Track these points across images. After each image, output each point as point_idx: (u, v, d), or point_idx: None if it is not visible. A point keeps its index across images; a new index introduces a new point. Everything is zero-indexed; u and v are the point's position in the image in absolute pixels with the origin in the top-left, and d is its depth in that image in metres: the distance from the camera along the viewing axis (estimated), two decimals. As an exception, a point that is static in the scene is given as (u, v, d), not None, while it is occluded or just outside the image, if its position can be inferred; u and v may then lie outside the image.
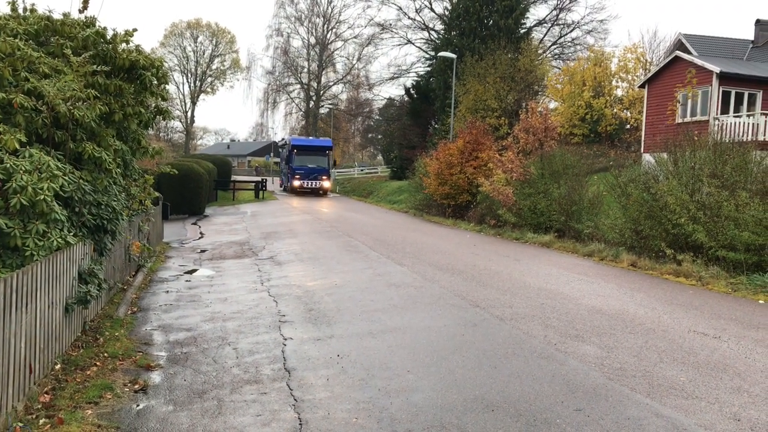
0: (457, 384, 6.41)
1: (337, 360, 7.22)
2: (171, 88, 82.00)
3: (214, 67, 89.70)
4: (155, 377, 6.77)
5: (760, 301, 11.10)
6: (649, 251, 15.34)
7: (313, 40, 79.93)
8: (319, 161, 44.14)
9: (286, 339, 8.15)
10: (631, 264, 14.76)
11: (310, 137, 52.83)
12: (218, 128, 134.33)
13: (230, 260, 15.50)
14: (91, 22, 9.88)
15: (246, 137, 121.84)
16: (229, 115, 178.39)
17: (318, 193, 44.15)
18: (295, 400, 6.03)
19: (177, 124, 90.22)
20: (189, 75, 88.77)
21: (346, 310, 9.78)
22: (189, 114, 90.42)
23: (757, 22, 37.54)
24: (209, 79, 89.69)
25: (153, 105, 10.51)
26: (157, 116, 10.94)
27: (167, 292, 11.47)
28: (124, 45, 9.51)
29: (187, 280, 12.73)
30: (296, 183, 43.22)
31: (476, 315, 9.44)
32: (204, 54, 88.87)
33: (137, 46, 9.82)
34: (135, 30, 9.70)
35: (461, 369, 6.89)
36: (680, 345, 8.00)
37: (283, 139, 58.40)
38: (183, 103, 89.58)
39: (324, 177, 43.88)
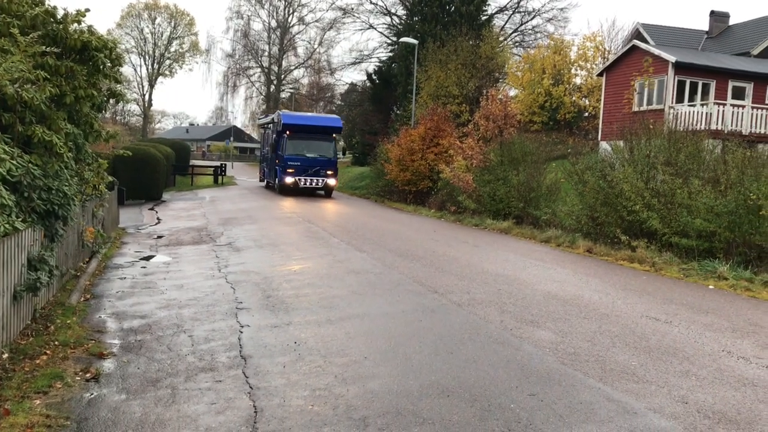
0: (413, 370, 6.44)
1: (294, 347, 7.18)
2: (128, 70, 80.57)
3: (172, 49, 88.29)
4: (108, 365, 6.64)
5: (710, 287, 11.39)
6: (604, 237, 15.62)
7: (274, 24, 79.14)
8: (322, 149, 31.29)
9: (242, 326, 8.07)
10: (587, 250, 15.00)
11: (310, 113, 39.89)
12: (177, 112, 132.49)
13: (187, 246, 15.29)
14: (40, 1, 9.57)
15: (205, 121, 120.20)
16: (188, 99, 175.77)
17: (316, 192, 31.94)
18: (250, 387, 5.98)
19: (134, 108, 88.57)
20: (147, 57, 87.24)
21: (305, 296, 9.73)
22: (147, 97, 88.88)
23: (712, 13, 38.35)
24: (167, 62, 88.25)
25: (106, 88, 10.27)
26: (111, 99, 10.70)
27: (122, 278, 11.26)
28: (75, 25, 9.24)
29: (142, 267, 12.52)
30: (288, 179, 30.33)
31: (434, 301, 9.49)
32: (162, 36, 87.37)
33: (90, 26, 9.56)
34: (87, 10, 9.42)
35: (418, 355, 6.92)
36: (633, 330, 8.17)
37: (266, 114, 44.86)
38: (140, 86, 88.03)
39: (329, 171, 31.00)
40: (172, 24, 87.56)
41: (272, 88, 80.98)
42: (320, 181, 30.88)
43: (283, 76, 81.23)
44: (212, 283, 10.81)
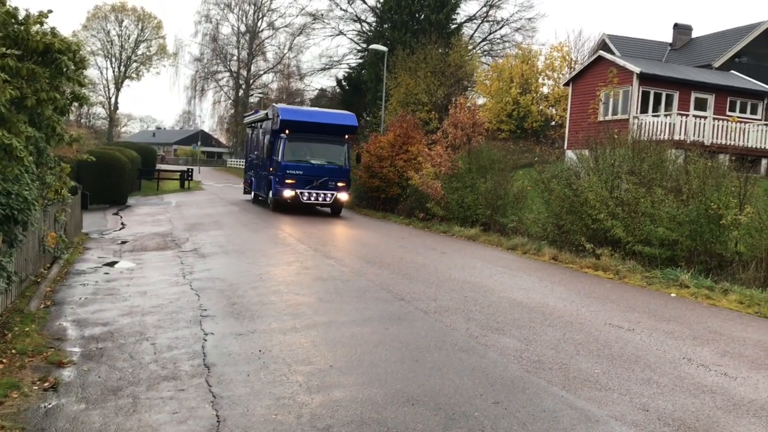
0: (379, 378, 6.42)
1: (259, 355, 7.12)
2: (94, 72, 79.36)
3: (139, 52, 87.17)
4: (67, 374, 6.51)
5: (672, 294, 11.58)
6: (570, 245, 15.80)
7: (243, 28, 78.75)
8: (331, 154, 24.73)
9: (206, 334, 7.98)
10: (553, 258, 15.16)
11: (315, 108, 32.61)
12: (144, 115, 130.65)
13: (152, 252, 15.08)
14: (0, 2, 9.37)
15: (172, 125, 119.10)
16: (155, 103, 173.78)
17: (315, 208, 25.81)
18: (213, 396, 5.91)
19: (100, 111, 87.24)
20: (113, 60, 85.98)
21: (271, 304, 9.66)
22: (113, 100, 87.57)
23: (675, 25, 39.18)
24: (134, 65, 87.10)
25: (69, 91, 10.08)
26: (75, 102, 10.51)
27: (84, 285, 11.06)
28: (38, 27, 9.05)
29: (105, 273, 12.32)
30: (287, 192, 23.77)
31: (401, 308, 9.49)
32: (129, 39, 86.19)
33: (53, 28, 9.37)
34: (50, 11, 9.25)
35: (384, 363, 6.91)
36: (596, 338, 8.26)
37: (255, 110, 35.90)
38: (106, 89, 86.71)
39: (340, 183, 24.34)
40: (140, 27, 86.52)
41: (241, 92, 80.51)
42: (328, 195, 24.08)
43: (252, 80, 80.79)
44: (176, 290, 10.68)
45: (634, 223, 14.21)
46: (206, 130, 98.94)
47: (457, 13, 47.69)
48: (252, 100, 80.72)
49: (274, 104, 29.51)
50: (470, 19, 53.38)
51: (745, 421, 5.70)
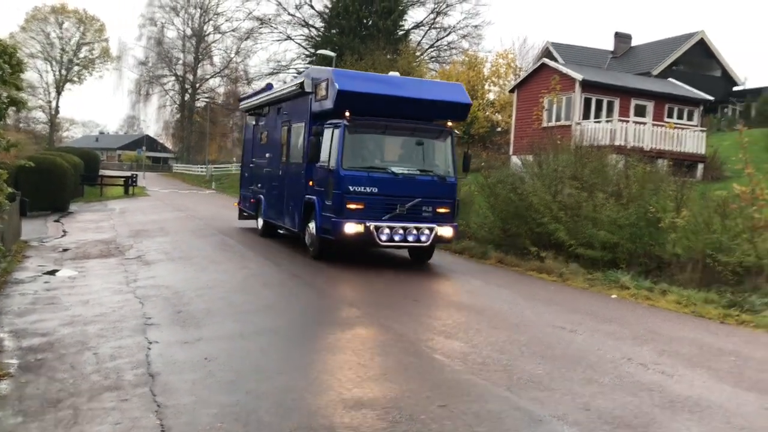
0: (327, 383, 6.43)
1: (205, 363, 7.03)
2: (33, 76, 77.07)
3: (81, 55, 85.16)
4: (4, 387, 6.31)
5: (613, 296, 11.91)
6: (515, 249, 16.06)
7: (189, 32, 77.80)
8: (426, 154, 14.02)
9: (151, 342, 7.84)
10: (499, 261, 15.40)
11: (395, 73, 17.30)
12: (86, 120, 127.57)
13: (95, 260, 14.74)
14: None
15: (116, 130, 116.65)
16: (99, 107, 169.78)
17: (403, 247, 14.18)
18: (157, 406, 5.82)
19: (40, 115, 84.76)
20: (54, 63, 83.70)
21: (217, 311, 9.55)
22: (53, 104, 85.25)
23: (616, 34, 40.34)
24: (76, 68, 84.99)
25: (5, 95, 9.81)
26: (12, 107, 10.23)
27: (22, 294, 10.73)
28: (-28, 29, 8.82)
29: (45, 282, 11.98)
30: (351, 227, 12.81)
31: (350, 314, 9.51)
32: (70, 41, 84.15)
33: (-12, 30, 9.14)
34: (-15, 13, 9.02)
35: (333, 368, 6.92)
36: (540, 339, 8.43)
37: (268, 86, 21.97)
38: (47, 93, 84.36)
39: (442, 207, 13.48)
40: (81, 29, 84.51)
41: (187, 97, 79.38)
42: (423, 231, 13.28)
43: (198, 84, 79.79)
44: (120, 298, 10.46)
45: (577, 226, 14.53)
46: (151, 135, 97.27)
47: (405, 20, 48.19)
48: (198, 104, 79.75)
49: (311, 66, 18.25)
50: (418, 25, 53.89)
51: (681, 417, 5.91)
